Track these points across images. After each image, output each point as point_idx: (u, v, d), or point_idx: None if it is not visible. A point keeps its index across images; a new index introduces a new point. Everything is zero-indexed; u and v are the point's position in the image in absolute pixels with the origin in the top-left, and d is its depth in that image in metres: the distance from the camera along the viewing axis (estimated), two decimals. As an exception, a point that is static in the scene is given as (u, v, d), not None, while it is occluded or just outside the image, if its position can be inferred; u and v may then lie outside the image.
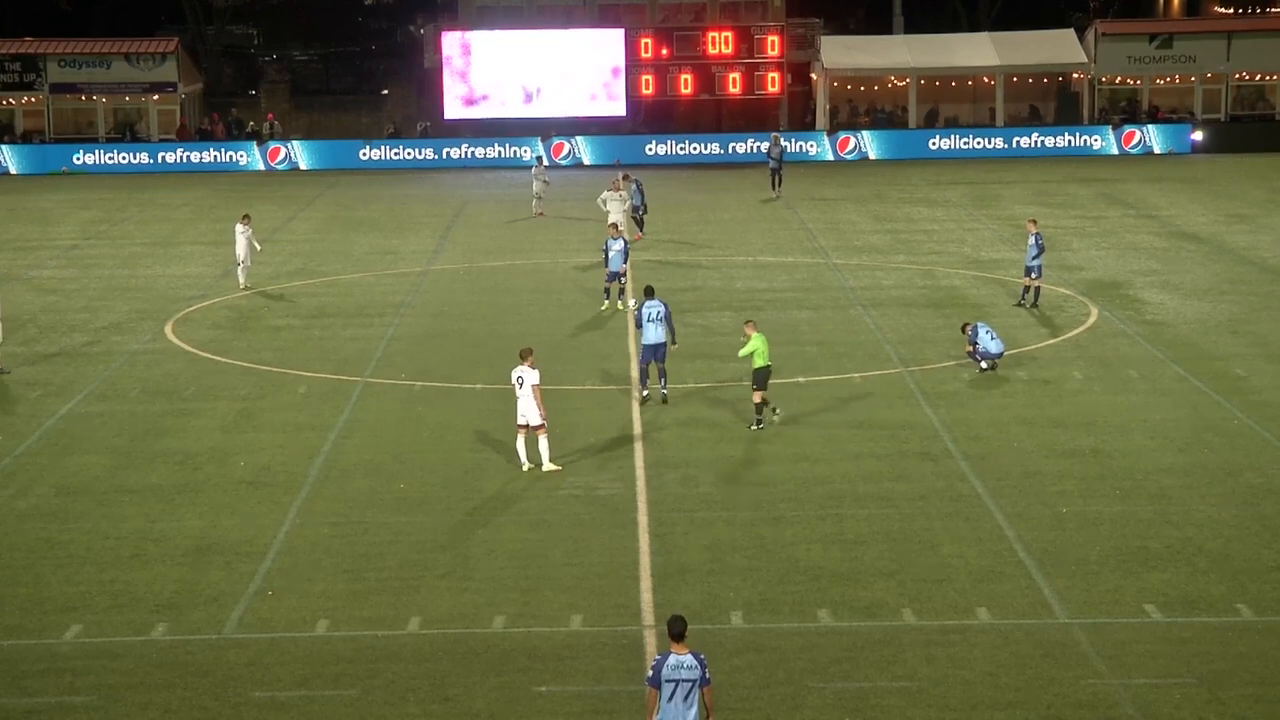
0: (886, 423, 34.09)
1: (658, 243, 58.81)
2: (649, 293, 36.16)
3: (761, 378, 33.49)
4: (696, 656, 18.03)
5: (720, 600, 24.51)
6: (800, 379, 37.62)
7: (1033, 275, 45.18)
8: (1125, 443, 32.40)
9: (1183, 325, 43.09)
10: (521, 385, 30.88)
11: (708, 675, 18.04)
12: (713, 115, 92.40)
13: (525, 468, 31.04)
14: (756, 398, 33.58)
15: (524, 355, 31.38)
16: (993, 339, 37.98)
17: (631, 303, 43.43)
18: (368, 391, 37.41)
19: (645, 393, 35.84)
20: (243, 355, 41.16)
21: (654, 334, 35.34)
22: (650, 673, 18.04)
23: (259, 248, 50.77)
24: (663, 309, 35.39)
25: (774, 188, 71.48)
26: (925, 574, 25.50)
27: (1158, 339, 41.35)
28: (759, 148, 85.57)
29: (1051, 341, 41.23)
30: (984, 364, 37.80)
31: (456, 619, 24.00)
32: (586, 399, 36.43)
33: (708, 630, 23.35)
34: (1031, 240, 44.79)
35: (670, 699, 17.85)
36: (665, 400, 35.55)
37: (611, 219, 52.29)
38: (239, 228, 49.95)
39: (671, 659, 17.95)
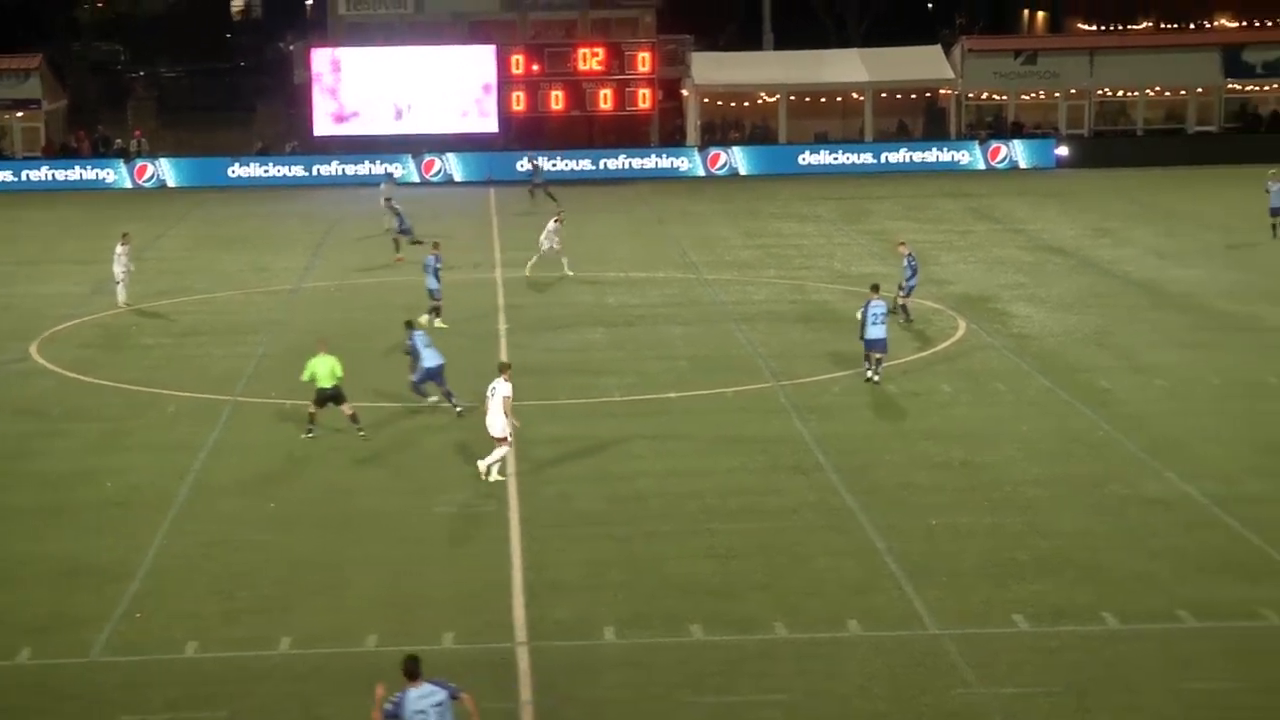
0: (759, 437, 34.21)
1: (527, 259, 58.63)
2: (410, 326, 37.07)
3: (323, 397, 34.10)
4: (434, 681, 18.09)
5: (594, 616, 24.47)
6: (672, 394, 37.68)
7: (904, 294, 45.12)
8: (994, 455, 32.71)
9: (1049, 338, 43.58)
10: (494, 395, 31.03)
11: (454, 689, 18.17)
12: (584, 131, 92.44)
13: (492, 477, 31.27)
14: (338, 410, 34.22)
15: (502, 369, 31.73)
16: (876, 323, 38.19)
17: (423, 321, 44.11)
18: (238, 410, 37.07)
19: (434, 399, 36.41)
20: (112, 375, 40.65)
21: (434, 357, 35.69)
22: (390, 706, 17.89)
23: (133, 268, 49.99)
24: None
25: (532, 195, 73.77)
26: (798, 587, 25.60)
27: (1025, 351, 41.81)
28: (629, 163, 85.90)
29: (921, 355, 41.57)
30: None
31: (328, 638, 23.81)
32: (459, 416, 36.26)
33: (582, 646, 23.32)
34: (905, 262, 44.86)
35: None
36: (460, 414, 35.53)
37: (553, 247, 53.68)
38: (119, 248, 49.36)
39: (411, 694, 17.95)
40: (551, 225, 54.43)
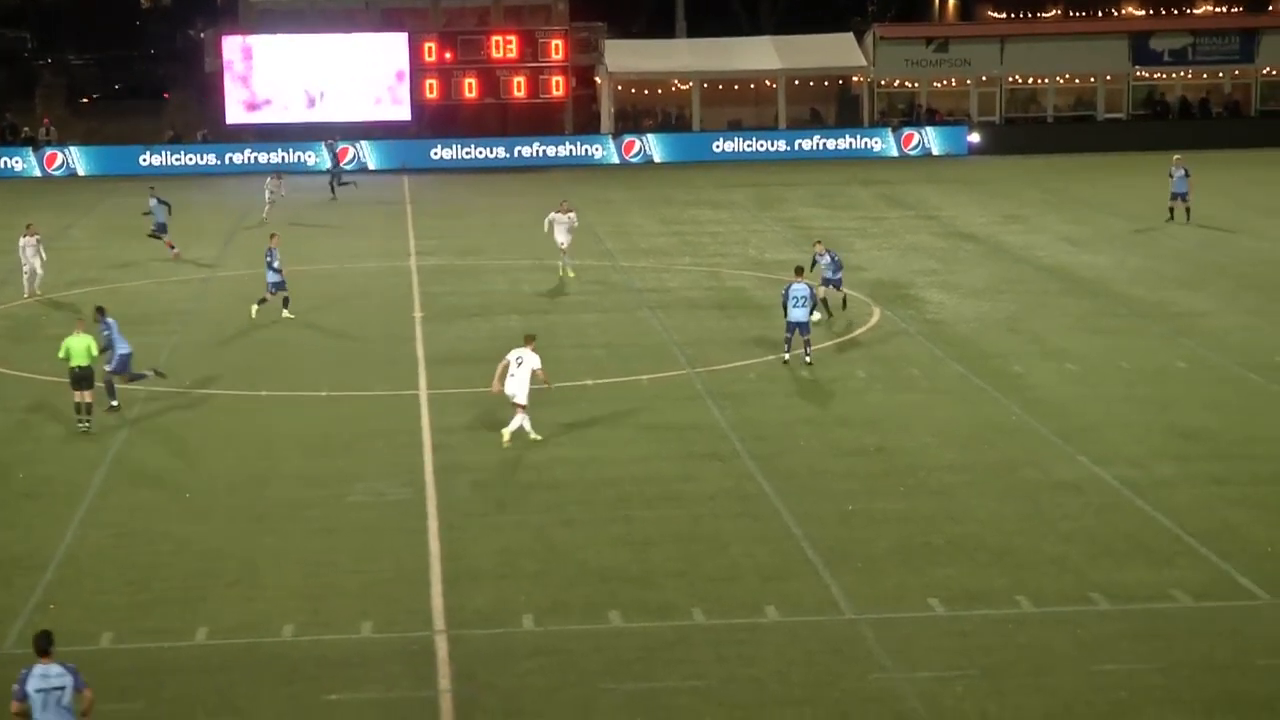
0: (674, 424, 34.27)
1: (445, 247, 58.60)
2: (100, 311, 36.64)
3: (76, 378, 33.88)
4: (65, 666, 18.21)
5: (511, 604, 24.46)
6: (588, 381, 37.70)
7: (839, 287, 44.83)
8: (908, 440, 32.89)
9: (962, 324, 43.87)
10: (521, 364, 32.17)
11: (81, 681, 18.21)
12: (498, 119, 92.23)
13: (505, 438, 32.43)
14: (76, 397, 33.93)
15: (527, 340, 32.99)
16: (797, 306, 38.59)
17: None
18: (151, 400, 36.77)
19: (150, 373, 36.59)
20: (21, 365, 40.26)
21: (126, 345, 35.90)
22: (16, 685, 18.06)
23: (44, 256, 49.36)
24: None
25: (333, 192, 73.04)
26: (715, 573, 25.66)
27: (938, 337, 42.06)
28: (544, 151, 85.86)
29: (835, 341, 41.74)
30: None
31: (244, 629, 23.68)
32: (375, 405, 36.18)
33: (499, 634, 23.31)
34: (827, 259, 44.27)
35: (44, 708, 17.97)
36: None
37: (559, 241, 51.61)
38: (23, 239, 48.79)
39: (38, 669, 18.09)
40: (562, 217, 51.90)
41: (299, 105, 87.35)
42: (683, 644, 23.03)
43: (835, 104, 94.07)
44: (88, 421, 33.92)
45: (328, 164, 76.75)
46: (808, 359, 38.51)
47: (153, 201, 57.39)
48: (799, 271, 39.95)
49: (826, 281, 44.19)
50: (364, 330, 44.26)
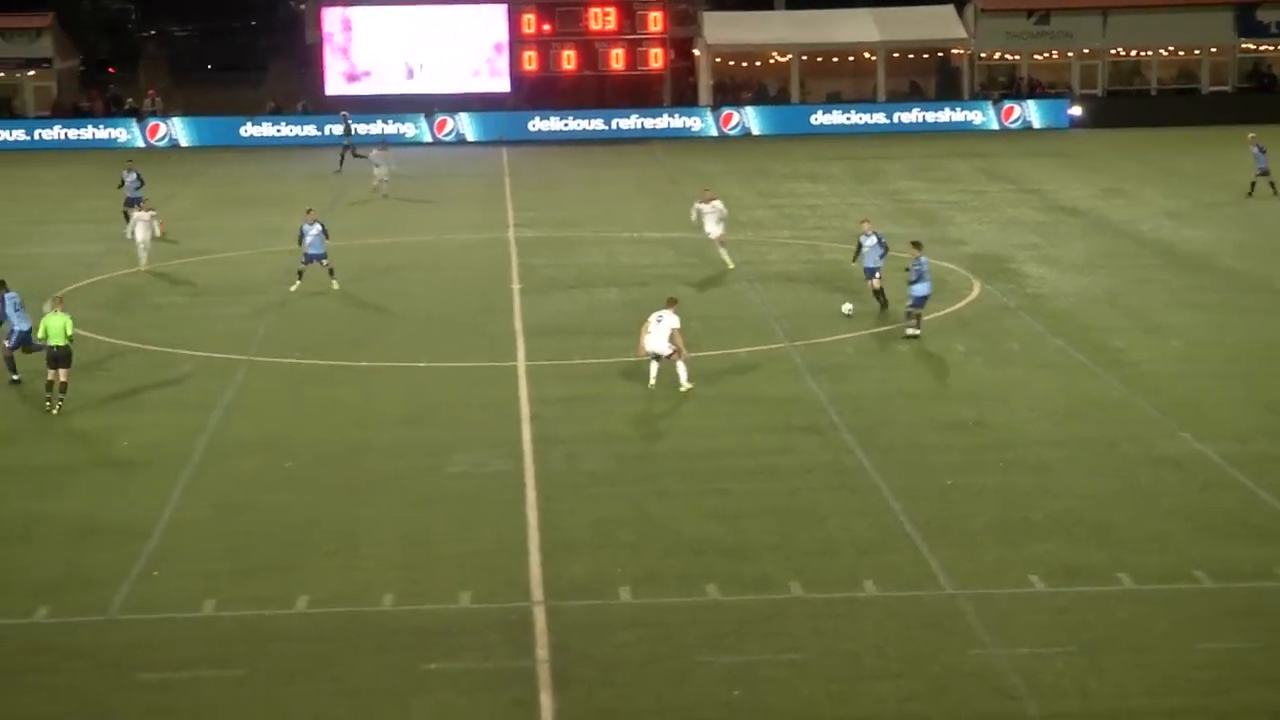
0: (772, 397, 34.23)
1: (543, 219, 58.76)
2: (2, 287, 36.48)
3: (52, 357, 33.70)
4: None
5: (608, 575, 24.51)
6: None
7: (876, 277, 41.91)
8: (1007, 415, 32.70)
9: (1062, 298, 43.55)
10: (660, 323, 34.14)
11: None
12: (596, 91, 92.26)
13: (651, 383, 34.45)
14: (49, 375, 33.76)
15: (670, 302, 34.85)
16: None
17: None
18: (252, 370, 37.12)
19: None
20: (125, 334, 40.70)
21: (24, 320, 35.89)
22: None
23: (158, 232, 49.38)
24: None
25: (343, 159, 73.19)
26: (811, 547, 25.62)
27: (1039, 312, 41.77)
28: (642, 124, 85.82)
29: (935, 315, 41.50)
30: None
31: (344, 598, 23.85)
32: (474, 376, 36.34)
33: (596, 605, 23.38)
34: (874, 240, 42.14)
35: None
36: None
37: (709, 232, 48.08)
38: (137, 212, 49.18)
39: None
40: (708, 207, 48.11)
41: (398, 77, 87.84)
42: (779, 617, 23.02)
43: (935, 77, 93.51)
44: (61, 401, 33.65)
45: (343, 136, 76.04)
46: (909, 332, 38.46)
47: (130, 176, 57.24)
48: (917, 245, 39.44)
49: (870, 271, 41.85)
50: (462, 302, 44.44)
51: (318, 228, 45.41)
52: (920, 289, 38.56)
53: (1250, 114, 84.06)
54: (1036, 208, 59.80)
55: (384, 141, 68.96)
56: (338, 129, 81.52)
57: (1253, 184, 60.30)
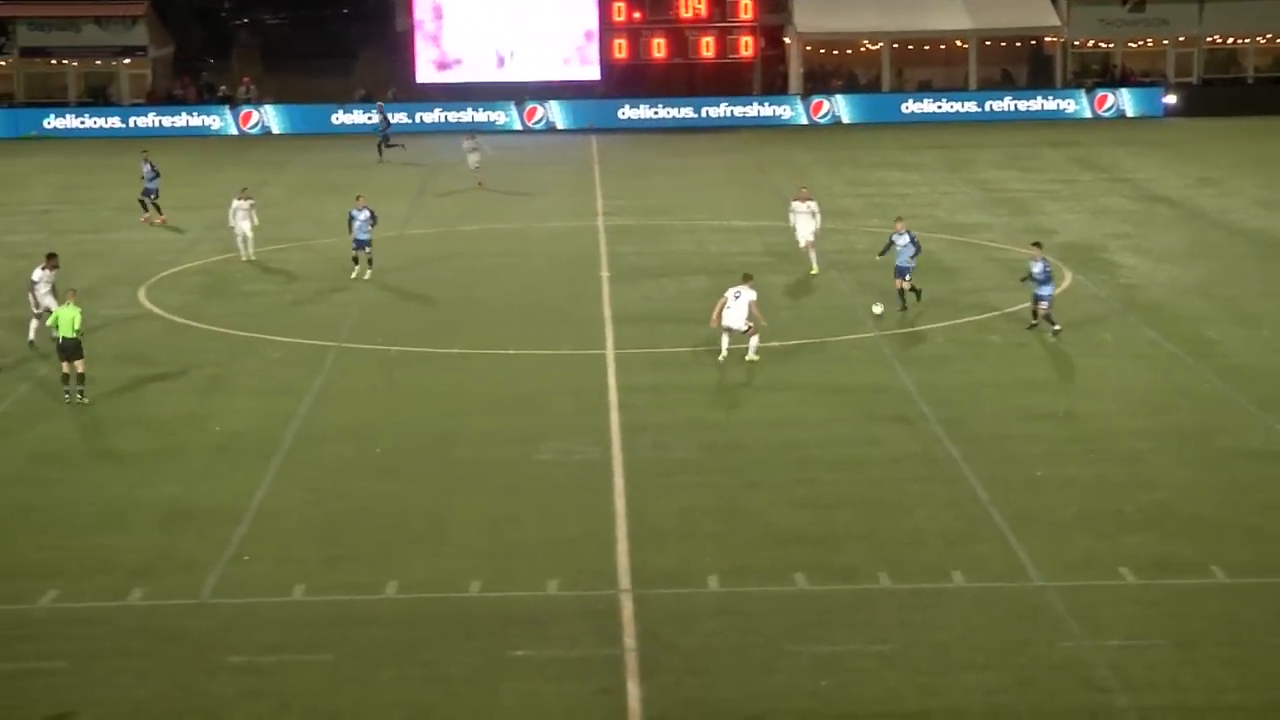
0: (860, 387, 34.12)
1: (632, 207, 58.81)
2: None
3: (63, 349, 33.63)
4: None
5: (695, 564, 24.51)
6: (774, 343, 37.58)
7: (906, 277, 40.66)
8: (1098, 406, 32.47)
9: (1155, 288, 43.19)
10: (738, 298, 35.25)
11: None
12: (685, 79, 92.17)
13: (721, 356, 35.55)
14: (64, 368, 33.68)
15: (745, 278, 35.93)
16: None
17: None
18: (342, 356, 37.34)
19: None
20: (216, 320, 41.03)
21: None
22: None
23: (256, 221, 49.10)
24: None
25: (380, 153, 72.82)
26: (899, 537, 25.53)
27: (1131, 302, 41.43)
28: (731, 112, 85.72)
29: (1025, 305, 41.22)
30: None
31: (432, 584, 23.96)
32: (562, 363, 36.41)
33: (683, 594, 23.38)
34: (907, 239, 40.63)
35: None
36: None
37: (799, 236, 46.24)
38: (236, 202, 48.65)
39: None
40: (802, 205, 46.26)
41: (489, 64, 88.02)
42: (866, 607, 22.96)
43: (1027, 65, 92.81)
44: (81, 391, 33.69)
45: (379, 126, 75.79)
46: (1058, 327, 37.69)
47: (145, 167, 57.15)
48: (1037, 245, 38.94)
49: (901, 271, 40.56)
50: (551, 289, 44.53)
51: (366, 213, 45.56)
52: (1048, 289, 37.74)
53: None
54: (1129, 197, 59.32)
55: (473, 130, 68.61)
56: (429, 116, 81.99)
57: None
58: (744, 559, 24.72)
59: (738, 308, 35.18)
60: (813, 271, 45.81)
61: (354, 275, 45.49)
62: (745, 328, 35.22)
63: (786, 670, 20.98)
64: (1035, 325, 38.09)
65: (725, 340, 35.52)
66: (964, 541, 25.30)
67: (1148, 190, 60.75)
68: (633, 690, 20.45)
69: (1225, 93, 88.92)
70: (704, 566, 24.42)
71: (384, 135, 74.21)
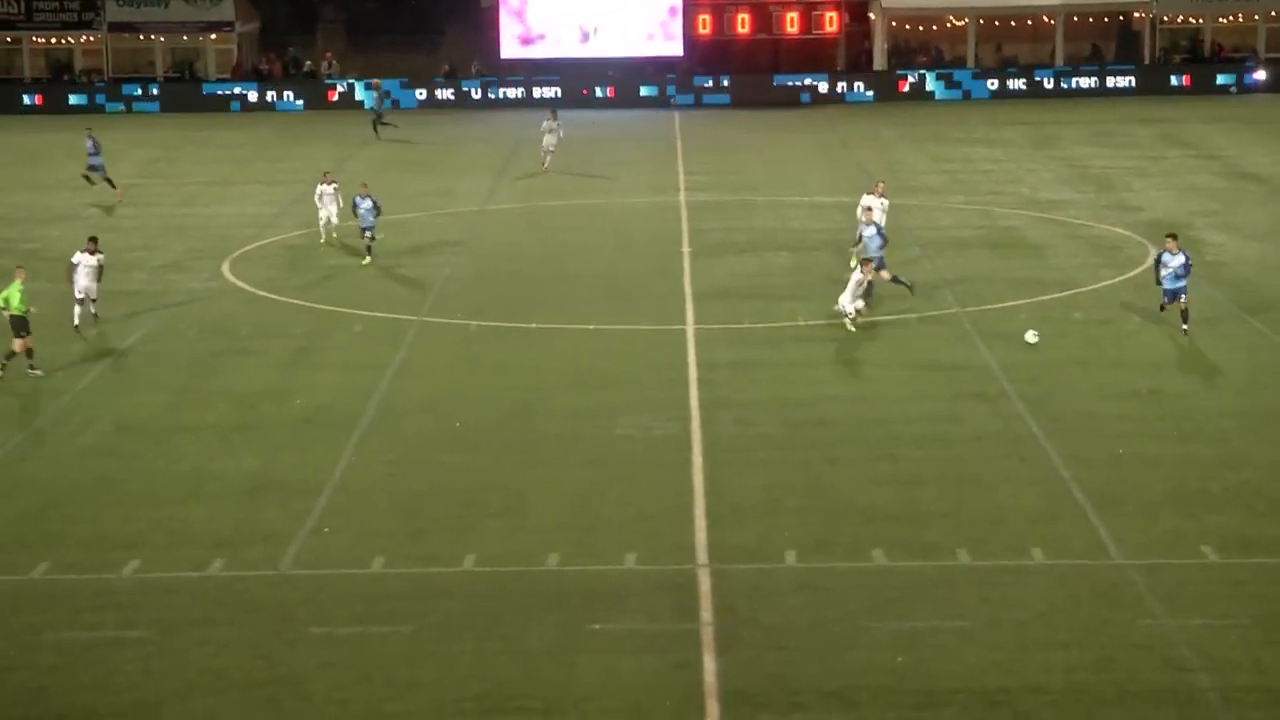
0: (943, 364, 33.96)
1: (714, 183, 58.72)
2: None
3: (16, 326, 33.64)
4: None
5: (775, 540, 24.49)
6: (857, 318, 37.48)
7: (882, 270, 38.82)
8: (1183, 385, 32.21)
9: (1242, 266, 42.78)
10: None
11: None
12: (770, 55, 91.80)
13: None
14: (15, 345, 33.62)
15: (865, 263, 36.58)
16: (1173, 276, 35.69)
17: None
18: (423, 331, 37.48)
19: None
20: (299, 294, 41.27)
21: None
22: None
23: (341, 204, 47.74)
24: None
25: (376, 132, 72.20)
26: (981, 515, 25.42)
27: (1217, 280, 41.04)
28: (817, 87, 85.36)
29: (1110, 282, 40.97)
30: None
31: (511, 557, 24.05)
32: (642, 339, 36.41)
33: (762, 570, 23.37)
34: (873, 230, 39.58)
35: None
36: None
37: (864, 234, 40.64)
38: (321, 186, 47.86)
39: None
40: (876, 201, 42.26)
41: (573, 40, 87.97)
42: (946, 584, 22.87)
43: (1115, 40, 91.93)
44: (32, 365, 33.81)
45: (374, 105, 75.12)
46: (1185, 327, 35.66)
47: (89, 143, 56.90)
48: (1173, 237, 36.75)
49: (876, 263, 38.55)
50: (632, 265, 44.54)
51: (369, 202, 44.95)
52: (1179, 284, 35.60)
53: None
54: (1217, 174, 58.74)
55: (553, 109, 67.46)
56: (512, 92, 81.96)
57: None
58: (824, 535, 24.68)
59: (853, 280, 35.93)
60: (850, 267, 40.25)
61: (365, 261, 44.68)
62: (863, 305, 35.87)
63: (865, 646, 20.94)
64: (1186, 331, 35.53)
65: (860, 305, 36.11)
66: (1045, 520, 25.16)
67: (1236, 167, 60.13)
68: (709, 665, 20.46)
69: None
70: (783, 542, 24.39)
71: (378, 114, 73.87)
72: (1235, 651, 20.60)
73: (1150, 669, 20.21)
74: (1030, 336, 34.80)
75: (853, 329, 35.68)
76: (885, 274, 38.94)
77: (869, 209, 41.79)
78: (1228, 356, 34.15)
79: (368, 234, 45.06)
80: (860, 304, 36.26)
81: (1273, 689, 19.65)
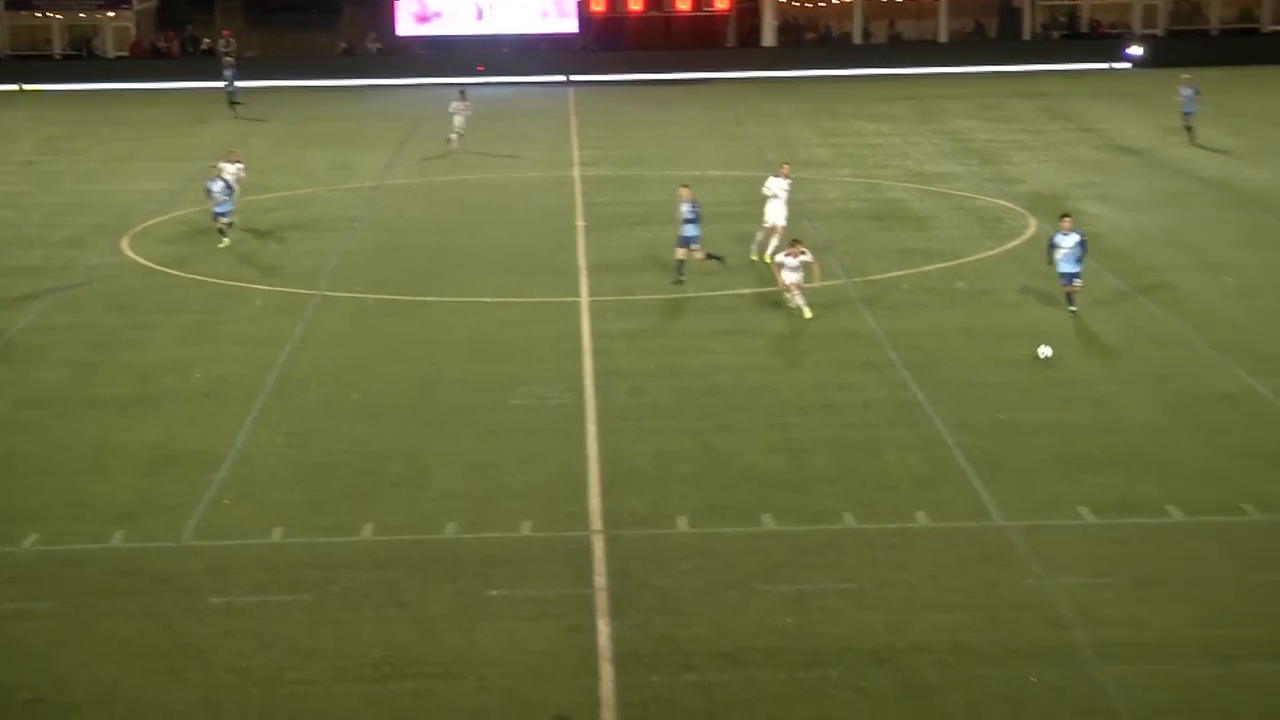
0: (831, 332, 34.13)
1: (608, 158, 58.68)
2: None
3: None
4: None
5: (667, 506, 24.54)
6: (746, 290, 37.62)
7: (692, 247, 38.17)
8: (1063, 352, 32.49)
9: (1119, 236, 43.22)
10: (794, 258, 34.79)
11: None
12: (662, 32, 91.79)
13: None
14: None
15: (795, 243, 35.43)
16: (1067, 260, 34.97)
17: None
18: (323, 304, 37.26)
19: None
20: (199, 269, 40.91)
21: None
22: None
23: (236, 188, 45.92)
24: None
25: (232, 108, 72.01)
26: (868, 480, 25.59)
27: (1095, 249, 41.21)
28: (708, 64, 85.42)
29: (991, 253, 41.32)
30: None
31: (410, 526, 23.98)
32: (538, 311, 36.38)
33: (655, 535, 23.43)
34: (686, 207, 38.26)
35: None
36: None
37: (769, 219, 40.64)
38: (223, 164, 46.24)
39: None
40: (780, 184, 40.91)
41: (468, 17, 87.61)
42: (834, 547, 23.03)
43: (998, 16, 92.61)
44: None
45: (225, 82, 74.11)
46: (1072, 308, 35.23)
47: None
48: (1067, 218, 36.05)
49: (686, 240, 38.10)
50: (528, 239, 44.45)
51: (220, 183, 43.38)
52: (1077, 267, 34.97)
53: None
54: (1094, 147, 59.30)
55: (462, 90, 66.50)
56: (409, 71, 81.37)
57: (1187, 129, 59.40)
58: (715, 501, 24.77)
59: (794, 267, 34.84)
60: (756, 258, 40.41)
61: (223, 244, 43.24)
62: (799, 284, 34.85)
63: (755, 609, 21.05)
64: (1074, 312, 34.98)
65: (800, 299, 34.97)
66: (930, 484, 25.36)
67: (1113, 140, 60.73)
68: (604, 628, 20.52)
69: (1190, 44, 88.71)
70: (676, 508, 24.47)
71: (229, 92, 73.17)
72: (1111, 608, 20.87)
73: (1031, 627, 20.44)
74: (1043, 351, 31.78)
75: (807, 312, 34.90)
76: (683, 253, 38.19)
77: (774, 194, 40.63)
78: (1106, 324, 34.50)
79: (222, 219, 43.16)
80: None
81: (1147, 644, 19.93)
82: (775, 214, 40.45)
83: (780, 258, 34.92)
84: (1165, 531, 23.39)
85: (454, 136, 60.16)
